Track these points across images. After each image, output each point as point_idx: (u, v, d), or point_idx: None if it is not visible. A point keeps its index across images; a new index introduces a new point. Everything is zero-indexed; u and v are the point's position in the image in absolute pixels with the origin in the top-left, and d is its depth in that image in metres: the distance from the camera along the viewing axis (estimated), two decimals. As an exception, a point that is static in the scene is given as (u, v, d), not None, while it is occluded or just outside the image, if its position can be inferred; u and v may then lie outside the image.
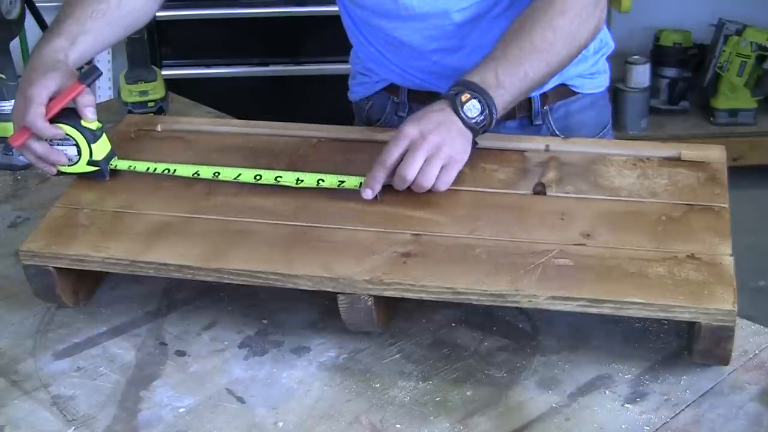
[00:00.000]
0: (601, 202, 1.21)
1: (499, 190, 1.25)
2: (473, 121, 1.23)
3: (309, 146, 1.37)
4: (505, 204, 1.22)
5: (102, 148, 1.30)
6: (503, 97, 1.25)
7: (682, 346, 1.13)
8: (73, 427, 1.06)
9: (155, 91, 1.72)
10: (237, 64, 3.10)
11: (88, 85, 1.27)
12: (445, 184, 1.22)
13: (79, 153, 1.28)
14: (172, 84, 1.84)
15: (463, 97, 1.22)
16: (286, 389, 1.10)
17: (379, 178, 1.21)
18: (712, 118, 3.51)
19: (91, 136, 1.28)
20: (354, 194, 1.23)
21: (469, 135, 1.24)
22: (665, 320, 1.14)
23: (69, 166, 1.29)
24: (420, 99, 1.55)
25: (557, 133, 1.51)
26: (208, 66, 3.08)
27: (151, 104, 1.72)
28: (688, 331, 1.11)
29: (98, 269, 1.19)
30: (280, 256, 1.15)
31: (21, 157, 1.59)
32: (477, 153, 1.27)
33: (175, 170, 1.29)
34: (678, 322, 1.12)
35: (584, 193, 1.23)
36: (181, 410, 1.08)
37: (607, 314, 1.07)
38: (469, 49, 1.42)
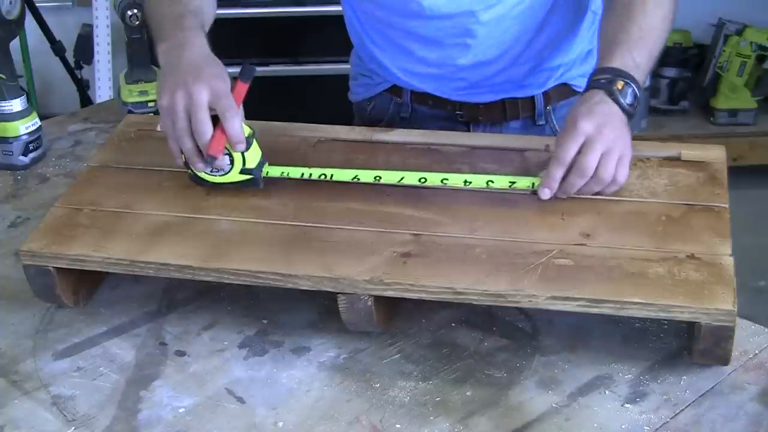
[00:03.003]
0: (601, 202, 1.21)
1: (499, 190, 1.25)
2: (631, 106, 1.22)
3: (309, 146, 1.37)
4: (505, 204, 1.22)
5: (254, 155, 1.24)
6: (641, 78, 1.24)
7: (682, 346, 1.13)
8: (73, 427, 1.06)
9: (155, 91, 1.72)
10: (237, 64, 3.09)
11: (249, 82, 1.23)
12: (624, 177, 1.19)
13: (232, 162, 1.23)
14: (172, 84, 1.84)
15: (618, 85, 1.21)
16: (286, 389, 1.10)
17: (558, 176, 1.18)
18: (712, 118, 3.51)
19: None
20: (354, 194, 1.23)
21: (627, 122, 1.22)
22: (665, 320, 1.14)
23: (222, 175, 1.25)
24: (423, 100, 1.56)
25: (561, 133, 1.51)
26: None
27: (151, 104, 1.72)
28: (688, 331, 1.11)
29: (98, 269, 1.19)
30: (280, 256, 1.15)
31: (21, 157, 1.59)
32: (477, 153, 1.27)
33: (332, 175, 1.25)
34: (678, 322, 1.12)
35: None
36: (181, 410, 1.08)
37: (607, 314, 1.07)
38: (485, 46, 1.43)
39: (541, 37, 1.47)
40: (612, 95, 1.21)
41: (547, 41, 1.48)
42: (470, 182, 1.22)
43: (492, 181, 1.21)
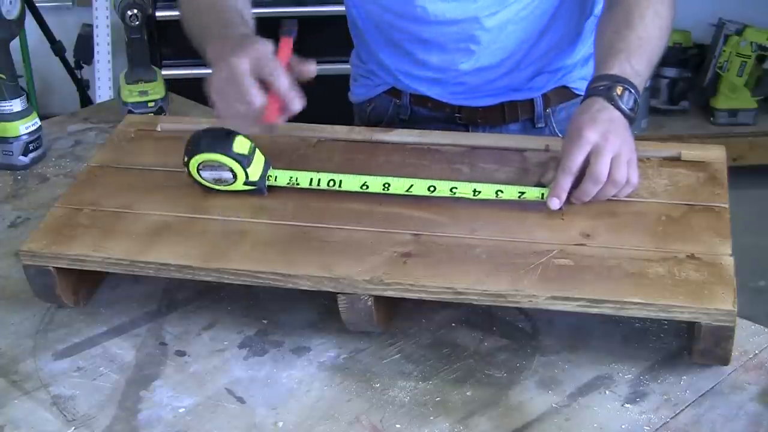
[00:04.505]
0: (601, 202, 1.21)
1: (499, 190, 1.25)
2: (632, 111, 1.22)
3: (309, 146, 1.37)
4: (505, 204, 1.22)
5: (256, 167, 1.23)
6: (640, 85, 1.25)
7: (682, 346, 1.13)
8: (73, 427, 1.06)
9: (155, 91, 1.72)
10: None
11: (292, 36, 1.19)
12: (637, 178, 1.19)
13: (234, 177, 1.23)
14: (172, 84, 1.84)
15: (618, 90, 1.21)
16: (286, 389, 1.10)
17: (566, 186, 1.18)
18: (712, 118, 3.52)
19: (245, 161, 1.22)
20: (354, 194, 1.23)
21: (629, 126, 1.22)
22: (665, 320, 1.14)
23: (225, 186, 1.24)
24: (422, 102, 1.56)
25: (560, 136, 1.51)
26: (208, 66, 3.08)
27: (151, 104, 1.72)
28: (688, 331, 1.11)
29: (98, 269, 1.19)
30: (280, 256, 1.15)
31: (21, 157, 1.59)
32: (477, 153, 1.27)
33: (341, 182, 1.24)
34: (678, 322, 1.12)
35: (584, 193, 1.23)
36: (181, 410, 1.08)
37: (607, 314, 1.07)
38: (488, 52, 1.43)
39: (544, 42, 1.47)
40: (612, 101, 1.21)
41: (550, 46, 1.48)
42: (479, 192, 1.21)
43: (501, 191, 1.20)
